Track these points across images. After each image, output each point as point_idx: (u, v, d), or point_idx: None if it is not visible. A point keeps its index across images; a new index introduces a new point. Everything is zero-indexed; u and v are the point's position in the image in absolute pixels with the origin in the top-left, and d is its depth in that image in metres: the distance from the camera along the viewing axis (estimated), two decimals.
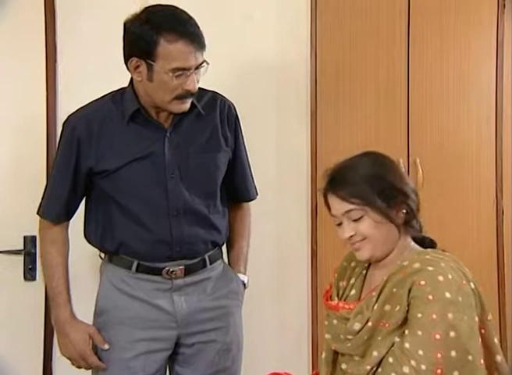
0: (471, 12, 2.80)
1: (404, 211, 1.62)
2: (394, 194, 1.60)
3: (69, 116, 1.97)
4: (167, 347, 1.96)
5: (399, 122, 2.80)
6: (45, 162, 2.54)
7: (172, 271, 1.94)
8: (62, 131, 1.97)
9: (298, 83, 2.84)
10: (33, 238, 2.49)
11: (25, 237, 2.49)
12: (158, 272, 1.93)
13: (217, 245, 2.04)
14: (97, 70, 2.55)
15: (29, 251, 2.50)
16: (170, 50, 1.77)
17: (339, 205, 1.62)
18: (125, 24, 1.84)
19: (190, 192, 1.93)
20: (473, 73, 2.81)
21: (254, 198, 2.18)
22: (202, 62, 1.83)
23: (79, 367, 1.98)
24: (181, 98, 1.84)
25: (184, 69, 1.79)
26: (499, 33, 2.77)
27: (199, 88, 1.89)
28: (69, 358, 1.97)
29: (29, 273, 2.51)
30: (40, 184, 2.51)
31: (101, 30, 2.56)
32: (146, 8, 1.85)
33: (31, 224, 2.50)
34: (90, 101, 1.99)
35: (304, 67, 2.84)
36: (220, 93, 2.07)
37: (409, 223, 1.64)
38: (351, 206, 1.59)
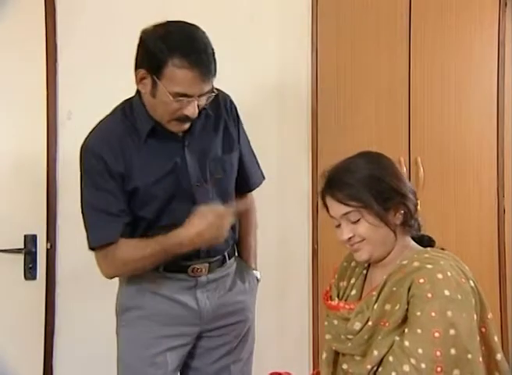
0: (472, 10, 2.80)
1: (402, 212, 1.61)
2: (391, 196, 1.59)
3: (83, 144, 1.88)
4: (189, 342, 1.99)
5: (400, 121, 2.80)
6: (46, 160, 2.54)
7: (198, 269, 1.95)
8: (82, 160, 1.88)
9: (299, 83, 2.85)
10: (34, 237, 2.49)
11: (25, 236, 2.49)
12: (183, 270, 1.94)
13: (234, 241, 2.06)
14: (97, 69, 2.55)
15: (29, 250, 2.49)
16: (176, 74, 1.74)
17: (336, 208, 1.61)
18: (142, 34, 1.81)
19: (213, 195, 1.94)
20: (474, 71, 2.81)
21: (259, 185, 2.16)
22: (208, 91, 1.80)
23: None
24: (179, 120, 1.83)
25: (186, 95, 1.76)
26: (501, 31, 2.76)
27: None
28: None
29: (29, 272, 2.50)
30: (40, 183, 2.53)
31: (101, 29, 2.56)
32: (166, 23, 1.80)
33: (32, 223, 2.52)
34: (100, 120, 1.92)
35: (304, 68, 2.84)
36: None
37: (407, 223, 1.63)
38: (348, 209, 1.59)
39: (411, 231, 1.66)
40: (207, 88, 1.79)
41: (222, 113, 1.98)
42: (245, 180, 2.09)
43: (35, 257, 2.50)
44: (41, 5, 2.50)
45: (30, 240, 2.49)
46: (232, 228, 2.01)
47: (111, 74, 2.50)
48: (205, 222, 1.81)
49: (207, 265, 1.96)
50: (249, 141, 2.11)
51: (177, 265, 1.94)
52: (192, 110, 1.79)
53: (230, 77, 2.66)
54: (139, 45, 1.82)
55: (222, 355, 2.03)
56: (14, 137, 2.51)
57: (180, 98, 1.76)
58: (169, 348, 1.95)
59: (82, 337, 2.56)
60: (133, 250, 1.86)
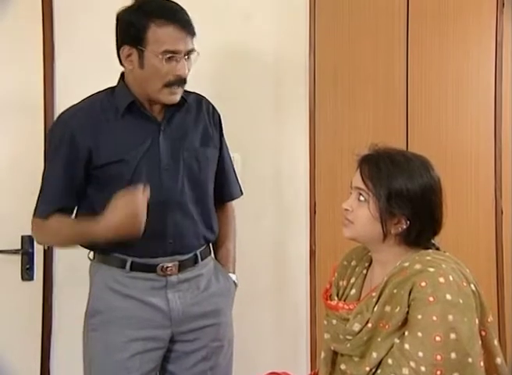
0: (470, 11, 2.80)
1: (404, 226, 1.59)
2: (405, 206, 1.58)
3: (59, 115, 2.00)
4: (162, 345, 1.97)
5: (397, 121, 2.80)
6: (43, 160, 2.52)
7: (167, 267, 1.94)
8: (52, 130, 2.00)
9: (297, 81, 2.84)
10: (31, 238, 2.48)
11: (22, 237, 2.49)
12: (152, 269, 1.93)
13: (208, 241, 2.06)
14: (94, 67, 2.54)
15: (26, 250, 2.49)
16: (160, 34, 1.81)
17: (356, 179, 1.63)
18: (117, 15, 1.90)
19: (183, 185, 1.95)
20: (472, 72, 2.81)
21: (238, 197, 2.20)
22: (192, 50, 1.86)
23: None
24: (171, 85, 1.87)
25: (174, 52, 1.82)
26: (499, 32, 2.76)
27: (184, 90, 1.94)
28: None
29: (26, 273, 2.50)
30: (37, 183, 2.52)
31: (98, 27, 2.55)
32: None
33: (29, 224, 2.50)
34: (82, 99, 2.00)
35: (302, 66, 2.83)
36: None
37: (407, 239, 1.61)
38: (363, 186, 1.60)
39: (413, 246, 1.63)
40: (191, 45, 1.86)
41: (203, 113, 2.03)
42: (225, 189, 2.13)
43: (32, 258, 2.50)
44: (39, 7, 2.50)
45: (27, 241, 2.49)
46: (211, 228, 2.03)
47: (108, 71, 2.49)
48: (118, 215, 1.77)
49: (177, 263, 1.95)
50: (230, 154, 2.15)
51: (144, 263, 1.93)
52: (182, 69, 1.85)
53: (227, 75, 2.68)
54: (117, 25, 1.90)
55: (198, 360, 2.01)
56: (11, 139, 2.51)
57: (169, 55, 1.82)
58: (140, 351, 1.93)
59: (79, 338, 2.54)
60: (56, 228, 1.94)
